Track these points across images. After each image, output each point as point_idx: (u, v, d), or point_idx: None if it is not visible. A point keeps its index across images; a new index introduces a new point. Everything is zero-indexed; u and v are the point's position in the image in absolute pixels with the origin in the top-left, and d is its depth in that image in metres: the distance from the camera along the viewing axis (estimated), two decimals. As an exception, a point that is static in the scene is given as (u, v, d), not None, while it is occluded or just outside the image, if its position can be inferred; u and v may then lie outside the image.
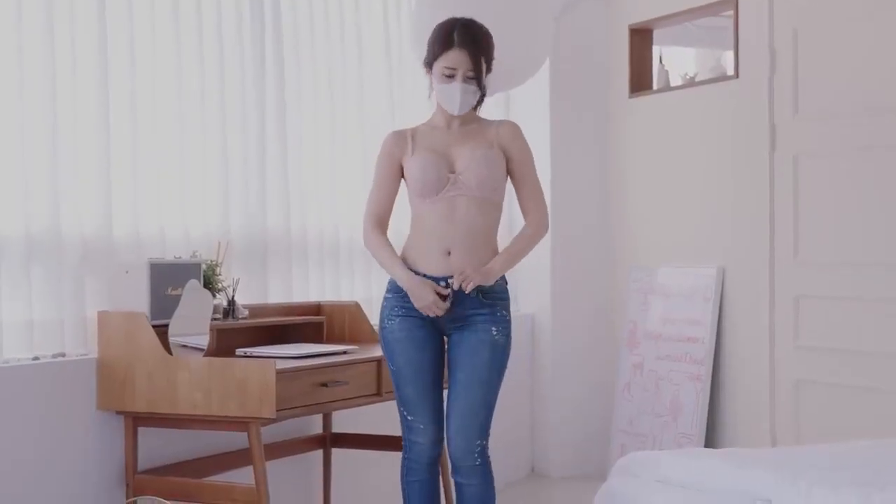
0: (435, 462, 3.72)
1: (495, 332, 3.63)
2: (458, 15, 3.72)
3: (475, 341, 3.62)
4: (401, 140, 3.73)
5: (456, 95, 3.63)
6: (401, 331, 3.65)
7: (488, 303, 3.64)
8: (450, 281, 3.58)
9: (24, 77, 3.82)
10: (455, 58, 3.61)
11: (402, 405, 3.68)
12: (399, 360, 3.66)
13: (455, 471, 3.66)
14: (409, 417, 3.67)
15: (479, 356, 3.62)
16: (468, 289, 3.57)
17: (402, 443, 3.73)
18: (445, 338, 3.70)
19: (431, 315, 3.60)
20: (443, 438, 3.69)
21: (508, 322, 3.69)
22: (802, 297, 5.14)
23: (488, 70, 3.69)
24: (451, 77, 3.62)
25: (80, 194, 3.97)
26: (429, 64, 3.70)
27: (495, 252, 3.70)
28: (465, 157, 3.64)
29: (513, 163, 3.73)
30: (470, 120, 3.75)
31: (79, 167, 3.97)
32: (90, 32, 4.01)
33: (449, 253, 3.61)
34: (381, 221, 3.74)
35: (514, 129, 3.78)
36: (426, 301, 3.57)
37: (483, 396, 3.62)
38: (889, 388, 4.75)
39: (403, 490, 3.75)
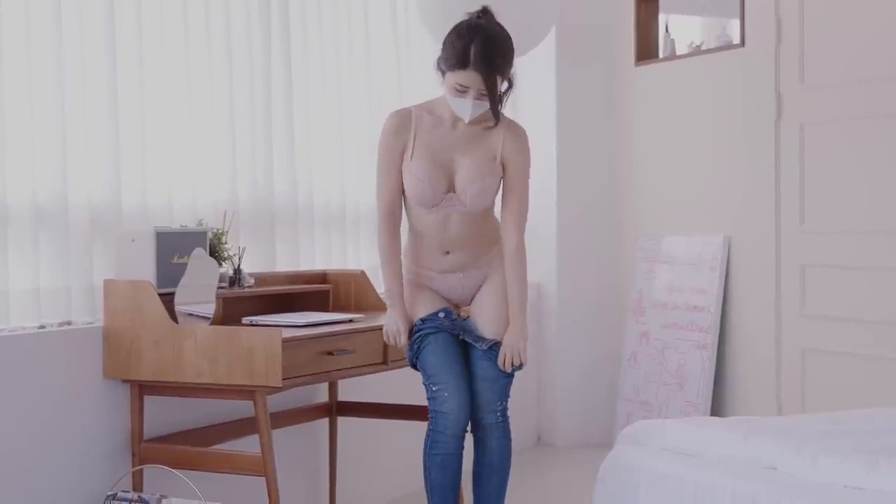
0: (460, 437, 3.64)
1: None
2: None
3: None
4: (401, 128, 3.63)
5: (467, 108, 3.53)
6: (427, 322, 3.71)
7: None
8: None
9: (31, 46, 3.80)
10: (468, 78, 3.48)
11: (427, 378, 3.65)
12: (426, 327, 3.68)
13: (476, 427, 3.70)
14: (433, 388, 3.63)
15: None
16: (518, 361, 3.67)
17: (428, 416, 3.67)
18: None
19: (390, 342, 3.73)
20: (469, 408, 3.64)
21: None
22: (808, 265, 5.13)
23: (505, 79, 3.57)
24: (462, 92, 3.51)
25: (87, 163, 3.96)
26: (441, 71, 3.57)
27: (493, 240, 3.74)
28: (464, 174, 3.58)
29: (508, 171, 3.66)
30: (478, 119, 3.62)
31: (87, 136, 3.96)
32: (98, 1, 3.99)
33: (448, 252, 3.70)
34: (393, 216, 3.69)
35: (520, 143, 3.67)
36: (392, 331, 3.69)
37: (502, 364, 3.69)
38: (895, 356, 4.75)
39: (425, 464, 3.67)
